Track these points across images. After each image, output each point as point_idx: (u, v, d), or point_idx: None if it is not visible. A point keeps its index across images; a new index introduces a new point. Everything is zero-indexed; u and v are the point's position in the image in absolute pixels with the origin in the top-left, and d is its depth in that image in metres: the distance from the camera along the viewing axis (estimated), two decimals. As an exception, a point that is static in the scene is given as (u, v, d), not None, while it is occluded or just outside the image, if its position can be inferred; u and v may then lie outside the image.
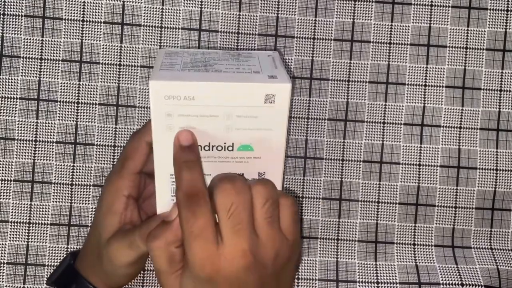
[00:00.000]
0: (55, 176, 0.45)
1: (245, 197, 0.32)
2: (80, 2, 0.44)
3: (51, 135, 0.45)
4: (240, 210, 0.31)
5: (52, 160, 0.45)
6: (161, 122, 0.33)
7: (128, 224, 0.38)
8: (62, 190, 0.45)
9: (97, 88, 0.45)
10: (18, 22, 0.44)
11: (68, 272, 0.40)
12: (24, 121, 0.44)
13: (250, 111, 0.33)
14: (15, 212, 0.45)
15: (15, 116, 0.44)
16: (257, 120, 0.33)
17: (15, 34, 0.44)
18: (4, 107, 0.44)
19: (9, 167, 0.44)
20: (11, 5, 0.44)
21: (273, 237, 0.33)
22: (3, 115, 0.44)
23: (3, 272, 0.44)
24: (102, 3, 0.44)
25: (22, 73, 0.44)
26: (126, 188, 0.38)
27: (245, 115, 0.33)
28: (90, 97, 0.45)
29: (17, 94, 0.44)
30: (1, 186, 0.45)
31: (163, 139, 0.33)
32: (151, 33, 0.44)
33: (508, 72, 0.45)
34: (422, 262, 0.45)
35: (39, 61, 0.44)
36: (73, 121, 0.45)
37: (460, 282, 0.44)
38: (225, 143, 0.34)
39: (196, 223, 0.31)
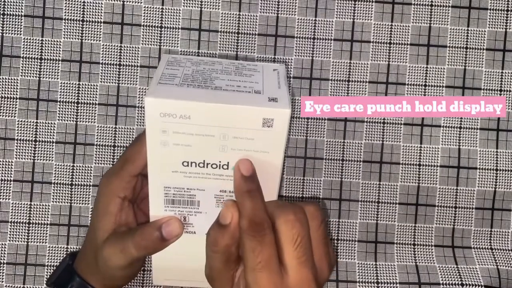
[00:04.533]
0: (55, 176, 0.45)
1: (307, 227, 0.32)
2: (80, 2, 0.44)
3: (51, 135, 0.44)
4: (305, 241, 0.32)
5: (52, 160, 0.45)
6: (156, 138, 0.33)
7: (123, 225, 0.38)
8: (62, 190, 0.45)
9: (97, 88, 0.44)
10: (18, 22, 0.44)
11: (67, 273, 0.40)
12: (24, 121, 0.44)
13: (247, 133, 0.32)
14: (15, 212, 0.45)
15: (14, 116, 0.44)
16: (254, 142, 0.33)
17: (15, 34, 0.44)
18: (4, 107, 0.44)
19: (9, 167, 0.44)
20: (11, 5, 0.44)
21: (328, 255, 0.34)
22: (3, 115, 0.44)
23: (2, 272, 0.44)
24: (102, 3, 0.44)
25: (22, 73, 0.44)
26: (122, 190, 0.38)
27: (242, 137, 0.32)
28: (90, 97, 0.45)
29: (16, 94, 0.44)
30: (1, 186, 0.44)
31: (157, 154, 0.33)
32: (151, 33, 0.44)
33: (508, 72, 0.45)
34: (422, 262, 0.45)
35: (39, 61, 0.44)
36: (73, 121, 0.45)
37: (460, 282, 0.44)
38: (220, 162, 0.34)
39: (263, 253, 0.31)
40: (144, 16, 0.44)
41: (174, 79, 0.34)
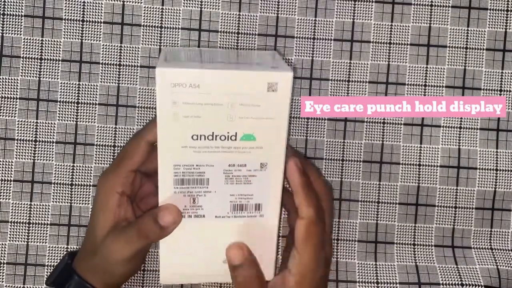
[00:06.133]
0: (55, 176, 0.45)
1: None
2: (80, 2, 0.44)
3: (51, 135, 0.45)
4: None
5: (52, 160, 0.45)
6: (167, 109, 0.34)
7: (123, 221, 0.38)
8: (62, 190, 0.45)
9: (97, 88, 0.45)
10: (18, 22, 0.44)
11: (66, 272, 0.40)
12: (24, 121, 0.44)
13: (253, 100, 0.34)
14: (15, 212, 0.45)
15: (15, 116, 0.44)
16: (260, 108, 0.34)
17: (15, 34, 0.44)
18: (4, 107, 0.44)
19: (9, 167, 0.44)
20: (11, 5, 0.44)
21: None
22: (3, 115, 0.44)
23: (3, 272, 0.44)
24: (102, 3, 0.44)
25: (22, 73, 0.44)
26: (120, 185, 0.38)
27: (248, 104, 0.34)
28: (90, 97, 0.45)
29: (17, 94, 0.44)
30: (1, 186, 0.44)
31: (167, 127, 0.34)
32: (151, 33, 0.44)
33: (508, 72, 0.45)
34: (422, 262, 0.45)
35: (39, 61, 0.44)
36: (73, 121, 0.45)
37: (460, 282, 0.44)
38: (228, 133, 0.35)
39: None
40: (144, 16, 0.44)
41: (180, 58, 0.36)
